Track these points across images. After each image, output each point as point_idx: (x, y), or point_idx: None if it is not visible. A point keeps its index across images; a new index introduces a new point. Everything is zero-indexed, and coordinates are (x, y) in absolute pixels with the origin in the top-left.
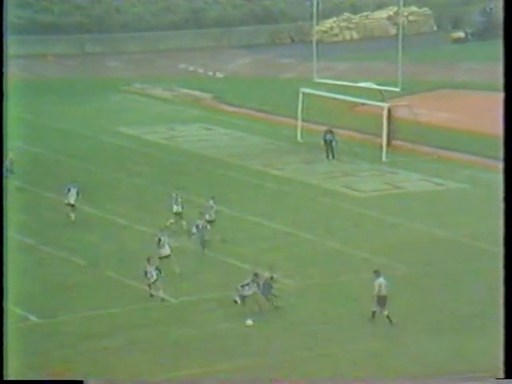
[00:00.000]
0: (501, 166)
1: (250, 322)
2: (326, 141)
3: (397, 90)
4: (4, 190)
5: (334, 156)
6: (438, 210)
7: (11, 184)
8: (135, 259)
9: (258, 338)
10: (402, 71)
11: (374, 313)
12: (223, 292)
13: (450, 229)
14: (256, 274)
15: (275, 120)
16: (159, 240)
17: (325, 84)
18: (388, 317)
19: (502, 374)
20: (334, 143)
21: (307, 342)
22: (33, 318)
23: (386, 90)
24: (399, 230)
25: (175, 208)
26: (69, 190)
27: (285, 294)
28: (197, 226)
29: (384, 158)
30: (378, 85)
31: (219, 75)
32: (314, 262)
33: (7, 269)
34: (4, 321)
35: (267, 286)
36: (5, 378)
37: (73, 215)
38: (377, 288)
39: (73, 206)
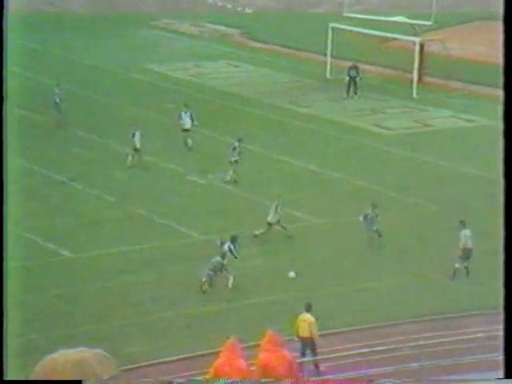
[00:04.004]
0: None
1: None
2: (350, 77)
3: (429, 23)
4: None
5: (356, 93)
6: (467, 147)
7: (52, 121)
8: (165, 197)
9: (286, 275)
10: (436, 4)
11: (455, 269)
12: (250, 229)
13: (479, 166)
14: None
15: (304, 56)
16: None
17: (355, 18)
18: (466, 268)
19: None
20: (357, 79)
21: (334, 278)
22: (65, 252)
23: (418, 24)
24: (428, 167)
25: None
26: (133, 134)
27: (311, 231)
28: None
29: (415, 95)
30: (410, 18)
31: (248, 10)
32: (341, 200)
33: (37, 206)
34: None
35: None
36: (5, 378)
37: (136, 159)
38: (463, 240)
39: (138, 150)
